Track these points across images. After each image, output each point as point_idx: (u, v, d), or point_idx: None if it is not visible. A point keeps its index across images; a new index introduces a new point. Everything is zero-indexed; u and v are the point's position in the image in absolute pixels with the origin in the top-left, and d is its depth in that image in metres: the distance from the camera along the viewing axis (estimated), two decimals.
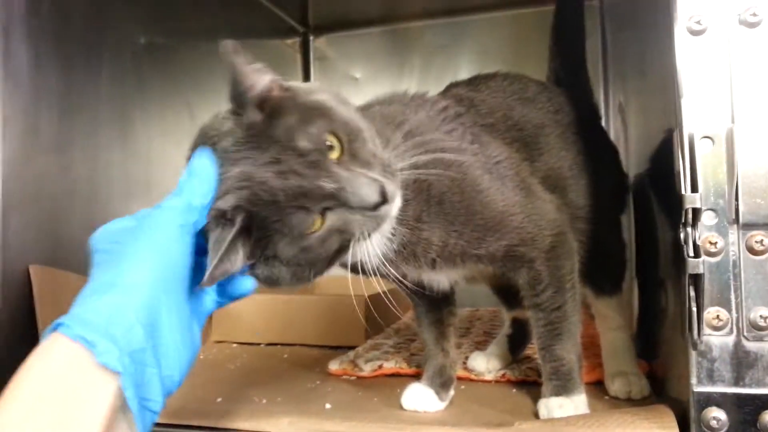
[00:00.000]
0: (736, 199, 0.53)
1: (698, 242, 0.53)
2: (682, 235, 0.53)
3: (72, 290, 0.78)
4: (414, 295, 0.72)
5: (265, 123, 0.51)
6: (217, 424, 0.65)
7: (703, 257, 0.53)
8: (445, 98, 0.74)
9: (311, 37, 1.67)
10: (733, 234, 0.53)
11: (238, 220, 0.49)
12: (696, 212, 0.53)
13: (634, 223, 0.89)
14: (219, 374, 0.92)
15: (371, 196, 0.50)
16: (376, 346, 1.00)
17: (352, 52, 1.65)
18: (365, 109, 0.67)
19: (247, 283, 0.53)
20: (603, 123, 1.03)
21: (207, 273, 0.47)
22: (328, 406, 0.71)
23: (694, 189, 0.53)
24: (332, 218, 0.51)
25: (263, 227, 0.51)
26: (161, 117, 1.10)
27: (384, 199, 0.51)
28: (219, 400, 0.76)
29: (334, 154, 0.51)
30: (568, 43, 0.91)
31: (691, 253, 0.52)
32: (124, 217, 0.51)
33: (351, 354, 0.94)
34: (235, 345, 1.13)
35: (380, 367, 0.87)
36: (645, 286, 0.86)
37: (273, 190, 0.49)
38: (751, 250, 0.53)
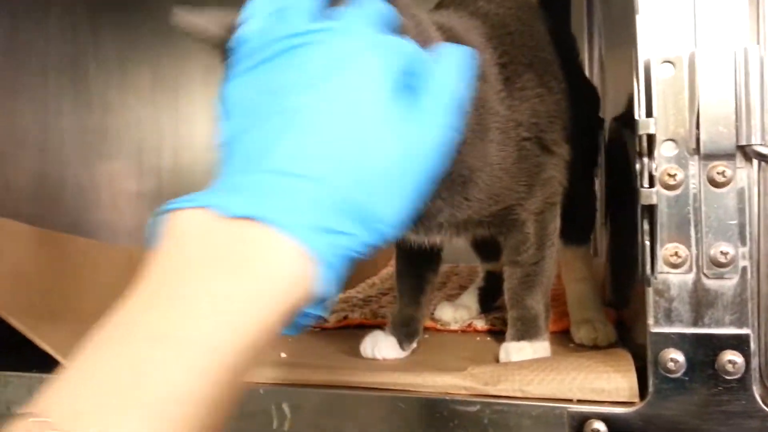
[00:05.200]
0: (698, 127, 0.49)
1: (655, 173, 0.49)
2: (637, 166, 0.50)
3: (22, 241, 0.75)
4: (401, 248, 0.69)
5: None
6: None
7: (658, 188, 0.49)
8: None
9: None
10: (694, 165, 0.50)
11: None
12: (651, 139, 0.49)
13: (605, 170, 0.85)
14: None
15: None
16: (345, 299, 0.97)
17: None
18: None
19: None
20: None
21: None
22: (282, 355, 0.69)
23: (649, 114, 0.49)
24: None
25: None
26: (121, 69, 1.06)
27: None
28: None
29: None
30: None
31: (645, 184, 0.49)
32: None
33: None
34: None
35: (345, 318, 0.85)
36: (615, 234, 0.83)
37: None
38: (713, 182, 0.50)
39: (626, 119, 0.76)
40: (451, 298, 0.94)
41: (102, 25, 1.01)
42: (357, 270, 1.08)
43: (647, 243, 0.50)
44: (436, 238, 0.66)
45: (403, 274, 0.73)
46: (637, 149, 0.50)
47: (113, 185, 1.09)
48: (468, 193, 0.59)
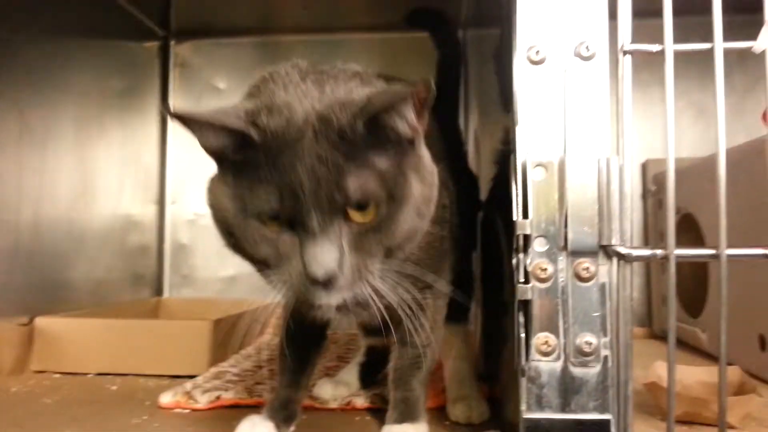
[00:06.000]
0: (566, 226, 0.54)
1: (529, 268, 0.53)
2: (514, 261, 0.53)
3: None
4: (292, 322, 0.67)
5: None
6: None
7: (533, 283, 0.53)
8: None
9: (172, 42, 1.58)
10: (562, 261, 0.54)
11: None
12: (527, 238, 0.53)
13: (481, 249, 0.90)
14: (32, 410, 0.80)
15: (318, 270, 0.49)
16: (218, 375, 0.93)
17: (217, 61, 1.58)
18: None
19: None
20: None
21: None
22: None
23: (526, 215, 0.53)
24: (285, 237, 0.50)
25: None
26: None
27: (327, 284, 0.49)
28: None
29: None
30: (444, 79, 0.92)
31: (522, 279, 0.53)
32: None
33: (188, 384, 0.87)
34: (57, 375, 1.00)
35: (218, 398, 0.80)
36: (488, 312, 0.87)
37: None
38: (578, 277, 0.54)
39: (496, 202, 0.82)
40: (329, 370, 0.92)
41: None
42: (229, 340, 1.05)
43: (522, 335, 0.52)
44: (335, 315, 0.65)
45: (287, 354, 0.71)
46: (514, 246, 0.53)
47: None
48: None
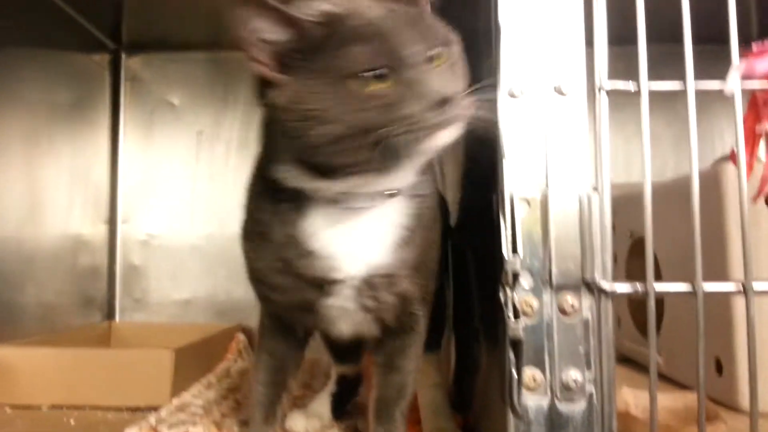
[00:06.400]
0: (550, 261, 0.54)
1: (517, 305, 0.53)
2: (502, 297, 0.53)
3: None
4: (275, 325, 0.68)
5: None
6: None
7: (522, 319, 0.53)
8: None
9: (123, 55, 1.52)
10: (547, 295, 0.54)
11: None
12: (516, 275, 0.53)
13: (453, 274, 0.90)
14: None
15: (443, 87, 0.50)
16: (182, 407, 0.89)
17: (170, 76, 1.53)
18: None
19: None
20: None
21: None
22: None
23: (515, 251, 0.53)
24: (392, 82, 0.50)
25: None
26: None
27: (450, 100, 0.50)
28: None
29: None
30: None
31: (511, 315, 0.52)
32: None
33: (152, 418, 0.83)
34: (9, 409, 0.94)
35: None
36: (461, 340, 0.87)
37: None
38: (563, 312, 0.54)
39: (466, 232, 0.82)
40: (297, 400, 0.90)
41: None
42: (191, 370, 1.01)
43: (515, 374, 0.52)
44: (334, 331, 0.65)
45: (262, 376, 0.69)
46: (503, 282, 0.53)
47: None
48: None
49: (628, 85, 0.55)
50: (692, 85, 0.54)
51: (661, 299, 1.15)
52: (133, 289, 1.48)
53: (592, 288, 0.54)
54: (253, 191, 0.63)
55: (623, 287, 0.53)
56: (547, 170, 0.55)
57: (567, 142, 0.56)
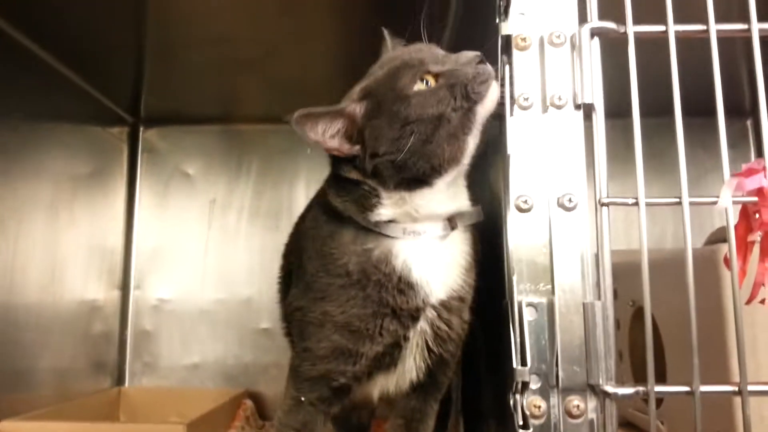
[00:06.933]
0: (557, 365, 0.58)
1: (526, 410, 0.57)
2: (511, 402, 0.57)
3: None
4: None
5: None
6: None
7: (531, 421, 0.57)
8: None
9: (141, 128, 1.59)
10: (554, 398, 0.58)
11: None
12: (525, 384, 0.57)
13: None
14: None
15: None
16: None
17: (186, 147, 1.59)
18: None
19: None
20: None
21: None
22: None
23: (524, 363, 0.57)
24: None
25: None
26: None
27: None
28: None
29: None
30: None
31: (521, 423, 0.56)
32: None
33: None
34: None
35: None
36: (469, 420, 0.90)
37: None
38: (569, 414, 0.58)
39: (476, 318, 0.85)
40: None
41: None
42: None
43: None
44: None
45: None
46: (512, 389, 0.57)
47: None
48: None
49: (626, 200, 0.60)
50: (687, 200, 0.59)
51: (663, 363, 1.18)
52: (143, 354, 1.51)
53: (596, 391, 0.58)
54: (326, 254, 0.68)
55: (626, 391, 0.57)
56: (553, 279, 0.60)
57: (572, 254, 0.60)
